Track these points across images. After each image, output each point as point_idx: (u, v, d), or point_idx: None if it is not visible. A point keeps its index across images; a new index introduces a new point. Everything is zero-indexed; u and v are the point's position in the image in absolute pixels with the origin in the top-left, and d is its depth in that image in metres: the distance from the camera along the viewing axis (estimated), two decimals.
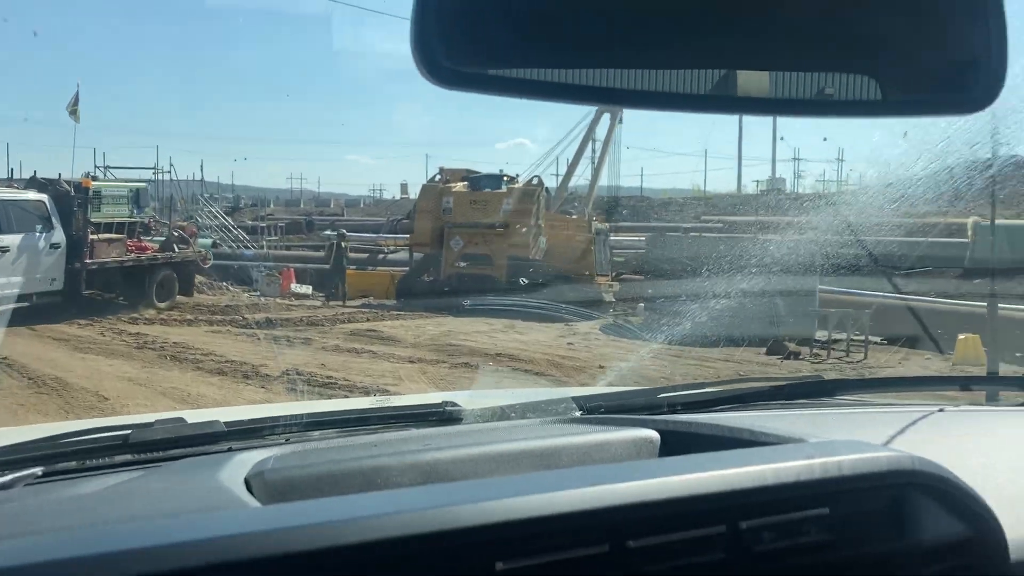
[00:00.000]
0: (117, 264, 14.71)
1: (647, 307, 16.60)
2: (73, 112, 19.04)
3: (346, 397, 8.77)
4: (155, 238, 16.98)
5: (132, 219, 16.17)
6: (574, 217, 21.01)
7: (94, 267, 14.18)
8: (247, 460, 1.26)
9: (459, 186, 19.04)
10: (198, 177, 39.17)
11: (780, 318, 12.39)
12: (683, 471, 0.97)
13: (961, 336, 10.38)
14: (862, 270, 9.75)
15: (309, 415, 1.58)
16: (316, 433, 1.50)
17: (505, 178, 19.75)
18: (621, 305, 17.72)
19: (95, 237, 14.48)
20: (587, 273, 18.90)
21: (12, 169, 17.16)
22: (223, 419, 1.50)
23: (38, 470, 1.25)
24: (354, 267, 20.54)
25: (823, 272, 10.66)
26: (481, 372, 10.07)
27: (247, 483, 1.17)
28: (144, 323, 13.40)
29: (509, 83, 0.87)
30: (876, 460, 1.05)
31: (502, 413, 1.64)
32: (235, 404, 8.38)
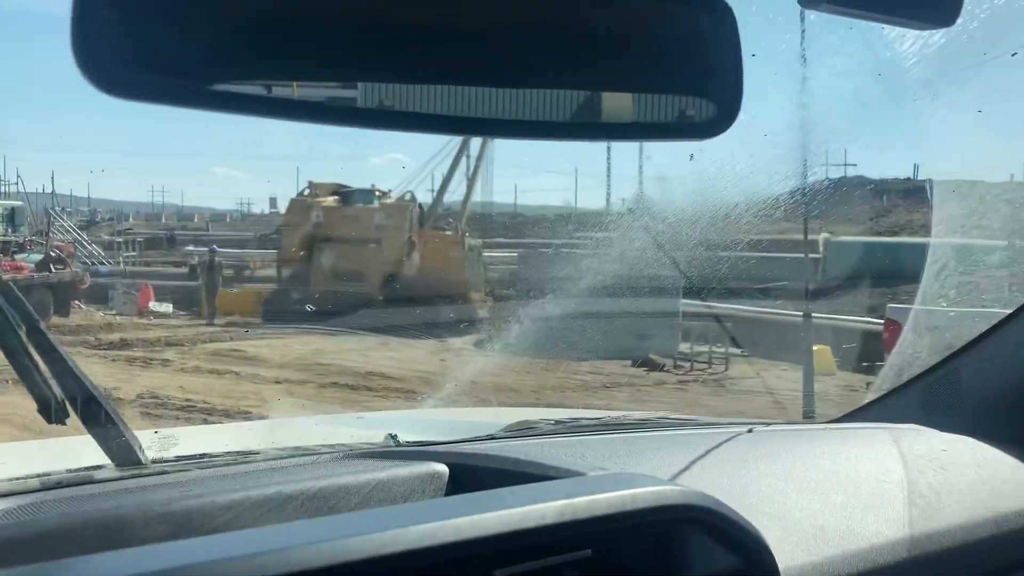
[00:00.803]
0: None
1: (519, 323, 16.75)
2: None
3: (204, 421, 8.41)
4: (30, 257, 16.18)
5: (6, 238, 15.73)
6: (448, 233, 20.99)
7: None
8: None
9: (329, 200, 18.70)
10: (48, 190, 36.91)
11: (647, 331, 12.73)
12: (444, 515, 0.91)
13: (815, 347, 10.93)
14: (724, 286, 10.15)
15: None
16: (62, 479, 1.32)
17: (377, 193, 19.55)
18: (494, 321, 17.81)
19: None
20: (461, 289, 18.87)
21: None
22: None
23: None
24: (202, 284, 19.84)
25: (688, 288, 11.02)
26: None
27: None
28: None
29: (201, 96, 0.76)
30: (642, 495, 1.01)
31: (295, 450, 1.53)
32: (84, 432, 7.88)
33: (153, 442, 1.62)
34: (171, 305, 19.53)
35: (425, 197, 22.88)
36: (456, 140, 22.31)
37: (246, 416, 8.59)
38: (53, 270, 16.04)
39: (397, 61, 0.79)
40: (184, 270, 22.09)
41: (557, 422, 1.88)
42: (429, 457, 1.42)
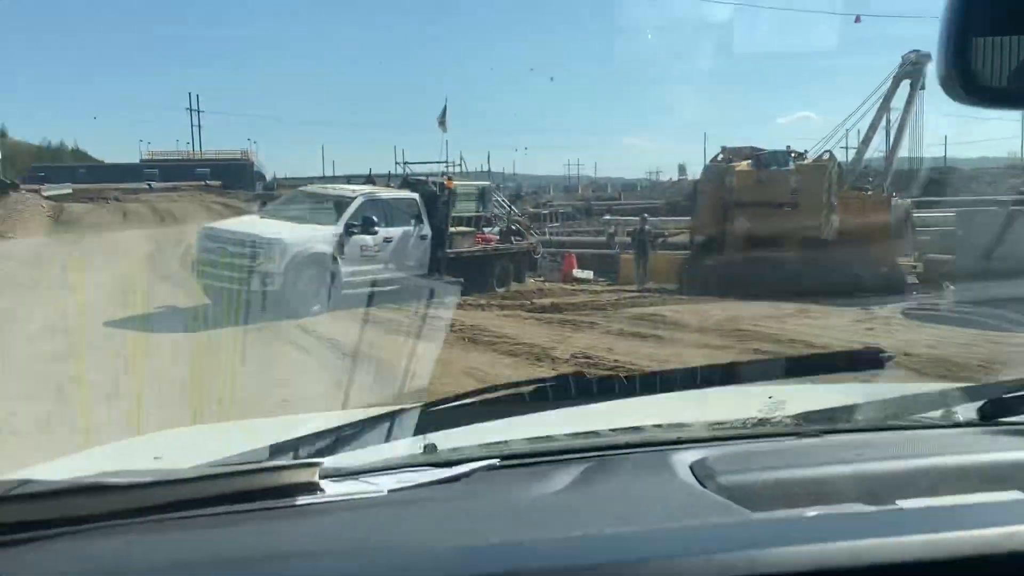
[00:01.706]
0: (468, 254, 16.59)
1: (957, 290, 15.08)
2: (441, 123, 22.42)
3: None
4: (494, 230, 18.52)
5: (478, 214, 17.74)
6: (870, 193, 19.54)
7: (452, 257, 15.97)
8: (682, 460, 1.28)
9: (743, 165, 18.37)
10: (484, 168, 41.18)
11: None
12: None
13: None
14: None
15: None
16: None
17: (792, 154, 18.78)
18: (926, 288, 16.25)
19: (453, 230, 16.38)
20: (886, 254, 17.47)
21: (371, 168, 19.77)
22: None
23: (496, 460, 1.31)
24: (633, 252, 20.61)
25: None
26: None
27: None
28: (442, 308, 14.33)
29: None
30: None
31: (894, 415, 1.52)
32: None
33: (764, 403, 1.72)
34: (591, 272, 20.77)
35: (842, 156, 21.57)
36: (878, 93, 20.64)
37: None
38: (514, 241, 17.93)
39: None
40: (602, 239, 23.26)
41: None
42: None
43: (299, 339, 11.09)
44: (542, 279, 18.80)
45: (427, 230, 15.62)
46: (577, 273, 20.45)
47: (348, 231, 14.11)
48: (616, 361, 9.73)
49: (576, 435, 1.47)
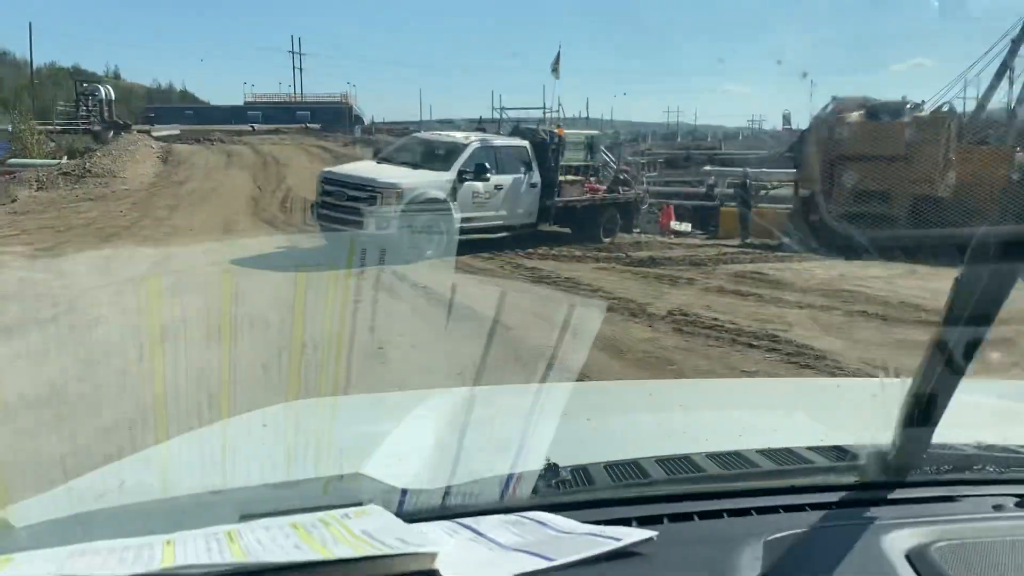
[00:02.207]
0: (576, 203, 16.62)
1: None
2: (555, 70, 22.54)
3: (733, 343, 8.57)
4: (601, 179, 18.61)
5: (587, 163, 17.85)
6: (990, 148, 18.42)
7: (560, 205, 16.15)
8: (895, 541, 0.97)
9: (854, 116, 17.53)
10: (583, 115, 40.62)
11: None
12: None
13: None
14: None
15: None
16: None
17: (908, 106, 17.81)
18: None
19: (563, 179, 16.60)
20: (1005, 212, 16.50)
21: (480, 116, 20.11)
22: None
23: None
24: (735, 205, 20.05)
25: None
26: None
27: None
28: (538, 258, 14.28)
29: None
30: None
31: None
32: (625, 340, 8.60)
33: None
34: (690, 224, 20.33)
35: (961, 107, 20.36)
36: (1004, 41, 19.32)
37: (773, 340, 8.56)
38: (621, 192, 17.82)
39: None
40: (701, 190, 22.70)
41: None
42: None
43: (395, 286, 11.21)
44: (639, 231, 18.50)
45: (537, 178, 15.72)
46: (675, 225, 20.04)
47: (461, 177, 14.35)
48: (715, 320, 9.53)
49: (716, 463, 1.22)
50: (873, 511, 1.05)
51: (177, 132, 37.51)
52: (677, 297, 11.14)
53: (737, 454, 1.25)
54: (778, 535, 0.98)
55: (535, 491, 1.10)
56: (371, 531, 0.90)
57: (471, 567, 0.90)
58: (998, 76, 19.42)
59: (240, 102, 62.36)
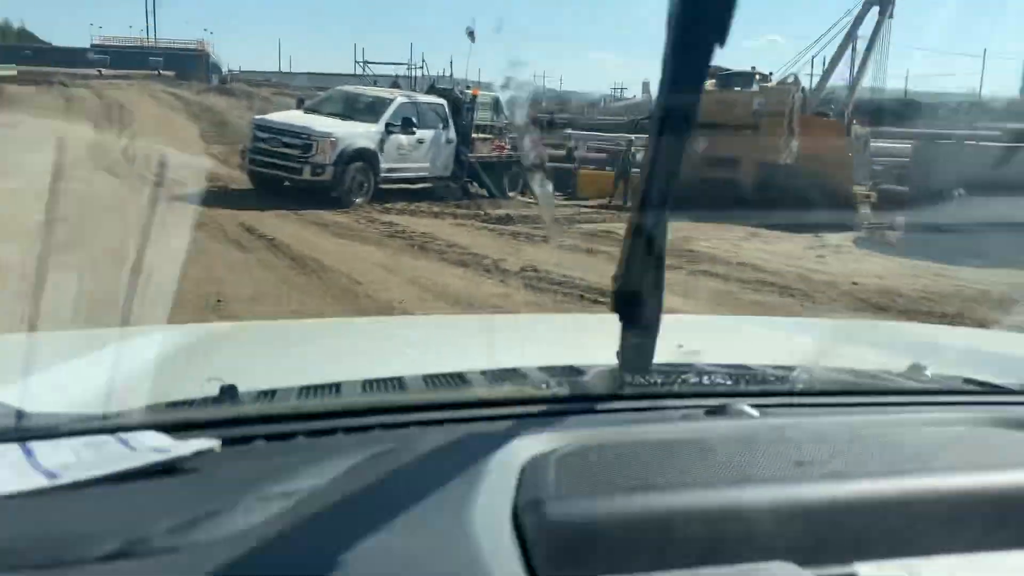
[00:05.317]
0: (486, 160, 17.28)
1: (908, 222, 15.21)
2: (470, 33, 22.31)
3: (580, 298, 8.73)
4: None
5: (493, 123, 18.30)
6: (831, 120, 19.47)
7: (473, 160, 16.84)
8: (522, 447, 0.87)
9: (707, 84, 18.09)
10: (447, 73, 40.16)
11: None
12: None
13: None
14: None
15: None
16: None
17: (757, 76, 18.54)
18: (878, 218, 16.37)
19: (476, 136, 17.42)
20: (843, 181, 17.51)
21: (397, 74, 20.05)
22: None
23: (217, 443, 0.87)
24: (592, 167, 20.42)
25: None
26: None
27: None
28: (395, 213, 14.09)
29: None
30: None
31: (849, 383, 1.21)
32: (477, 296, 8.61)
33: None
34: (551, 186, 20.53)
35: (807, 82, 21.41)
36: (846, 20, 20.40)
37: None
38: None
39: None
40: (562, 152, 22.95)
41: None
42: None
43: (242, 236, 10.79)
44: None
45: (453, 134, 16.74)
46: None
47: (388, 130, 15.08)
48: (565, 276, 9.67)
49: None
50: (533, 422, 0.96)
51: (14, 73, 34.71)
52: (531, 254, 11.23)
53: (460, 376, 1.17)
54: (381, 450, 0.86)
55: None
56: None
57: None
58: (838, 54, 20.53)
59: (87, 44, 58.48)
